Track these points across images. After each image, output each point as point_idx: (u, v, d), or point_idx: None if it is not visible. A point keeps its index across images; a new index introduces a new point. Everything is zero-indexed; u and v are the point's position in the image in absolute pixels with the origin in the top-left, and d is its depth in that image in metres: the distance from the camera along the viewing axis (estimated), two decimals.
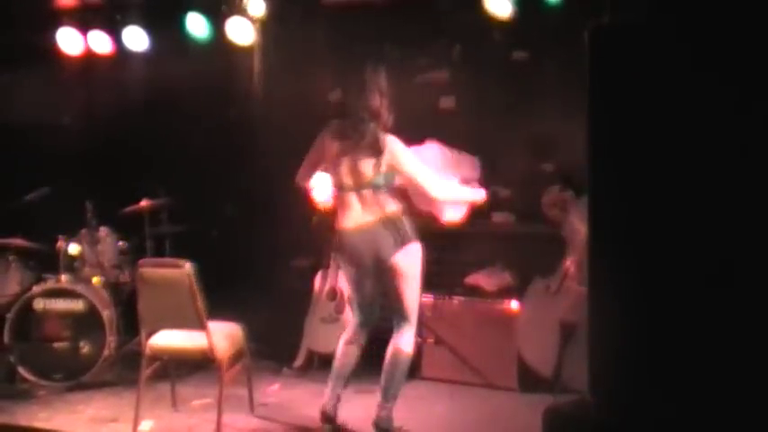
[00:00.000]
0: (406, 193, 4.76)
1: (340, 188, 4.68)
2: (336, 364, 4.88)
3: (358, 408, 4.96)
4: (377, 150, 4.56)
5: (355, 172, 4.60)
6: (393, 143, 4.59)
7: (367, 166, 4.58)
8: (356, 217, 4.63)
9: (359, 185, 4.61)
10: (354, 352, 4.86)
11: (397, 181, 4.68)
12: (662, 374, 2.57)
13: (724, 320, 2.49)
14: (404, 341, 4.70)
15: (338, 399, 4.83)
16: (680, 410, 2.53)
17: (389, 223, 4.59)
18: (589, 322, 2.74)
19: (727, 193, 2.49)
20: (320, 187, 4.88)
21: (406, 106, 6.41)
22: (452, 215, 4.83)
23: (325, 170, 4.77)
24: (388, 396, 4.71)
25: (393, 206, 4.63)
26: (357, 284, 4.82)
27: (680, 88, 2.59)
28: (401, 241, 4.58)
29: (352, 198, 4.64)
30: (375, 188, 4.60)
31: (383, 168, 4.57)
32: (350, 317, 5.96)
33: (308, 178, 4.85)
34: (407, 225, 4.62)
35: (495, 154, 6.32)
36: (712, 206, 2.52)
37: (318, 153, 4.75)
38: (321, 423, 4.83)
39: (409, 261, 4.62)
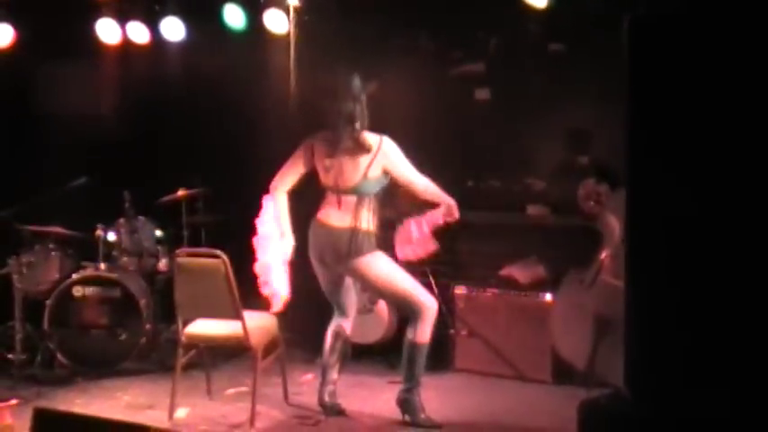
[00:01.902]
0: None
1: (327, 188, 4.86)
2: (324, 355, 5.05)
3: (391, 398, 4.97)
4: (364, 152, 4.71)
5: (341, 176, 4.76)
6: (387, 144, 4.75)
7: (353, 170, 4.73)
8: (332, 216, 4.81)
9: (343, 190, 4.78)
10: (339, 343, 5.02)
11: (382, 185, 4.82)
12: (699, 370, 2.56)
13: (765, 317, 2.47)
14: (417, 333, 4.79)
15: (334, 384, 5.02)
16: (716, 406, 2.52)
17: (356, 234, 4.74)
18: (626, 317, 2.73)
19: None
20: (268, 215, 4.95)
21: (442, 98, 6.47)
22: (408, 252, 4.97)
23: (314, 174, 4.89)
24: (407, 379, 4.83)
25: (367, 220, 4.78)
26: (328, 281, 4.97)
27: (721, 79, 2.57)
28: (358, 252, 4.74)
29: (334, 199, 4.82)
30: (359, 195, 4.76)
31: (373, 172, 4.72)
32: (383, 307, 6.01)
33: (282, 187, 4.94)
34: (371, 240, 4.79)
35: (531, 146, 6.32)
36: (752, 202, 2.49)
37: (301, 160, 4.90)
38: (324, 415, 4.97)
39: (366, 267, 4.78)
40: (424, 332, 4.79)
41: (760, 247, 2.46)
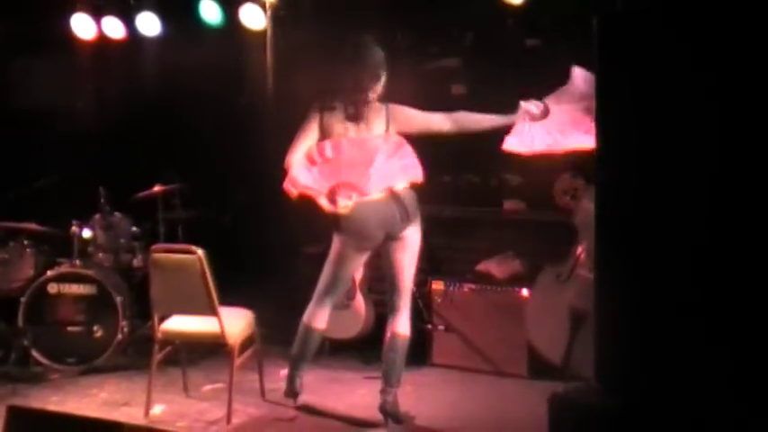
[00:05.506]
0: None
1: None
2: (296, 348, 4.90)
3: (367, 394, 4.99)
4: (378, 119, 4.57)
5: (364, 149, 4.54)
6: (394, 109, 4.61)
7: (375, 141, 4.55)
8: None
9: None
10: (318, 331, 4.90)
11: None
12: (666, 361, 2.58)
13: (730, 309, 2.49)
14: (401, 325, 4.73)
15: (301, 378, 4.94)
16: (683, 397, 2.54)
17: (398, 198, 4.56)
18: (595, 309, 2.75)
19: (732, 183, 2.49)
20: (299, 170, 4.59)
21: (418, 93, 6.46)
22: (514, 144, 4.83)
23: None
24: (392, 381, 4.73)
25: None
26: (350, 259, 4.75)
27: (688, 76, 2.59)
28: (409, 216, 4.59)
29: None
30: None
31: (393, 140, 4.56)
32: (360, 302, 6.00)
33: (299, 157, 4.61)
34: (414, 200, 4.62)
35: None
36: (717, 195, 2.52)
37: (313, 129, 4.61)
38: (294, 407, 4.92)
39: (417, 237, 4.68)
40: (407, 324, 4.74)
41: (727, 241, 2.49)
